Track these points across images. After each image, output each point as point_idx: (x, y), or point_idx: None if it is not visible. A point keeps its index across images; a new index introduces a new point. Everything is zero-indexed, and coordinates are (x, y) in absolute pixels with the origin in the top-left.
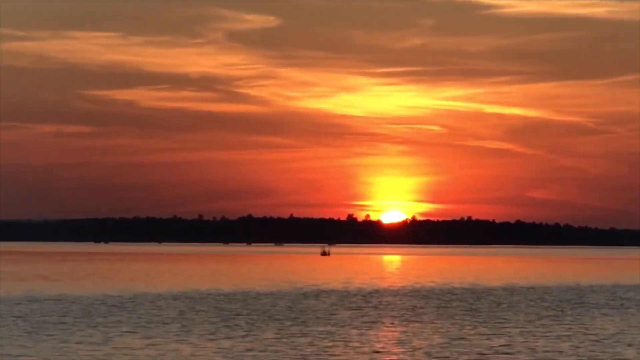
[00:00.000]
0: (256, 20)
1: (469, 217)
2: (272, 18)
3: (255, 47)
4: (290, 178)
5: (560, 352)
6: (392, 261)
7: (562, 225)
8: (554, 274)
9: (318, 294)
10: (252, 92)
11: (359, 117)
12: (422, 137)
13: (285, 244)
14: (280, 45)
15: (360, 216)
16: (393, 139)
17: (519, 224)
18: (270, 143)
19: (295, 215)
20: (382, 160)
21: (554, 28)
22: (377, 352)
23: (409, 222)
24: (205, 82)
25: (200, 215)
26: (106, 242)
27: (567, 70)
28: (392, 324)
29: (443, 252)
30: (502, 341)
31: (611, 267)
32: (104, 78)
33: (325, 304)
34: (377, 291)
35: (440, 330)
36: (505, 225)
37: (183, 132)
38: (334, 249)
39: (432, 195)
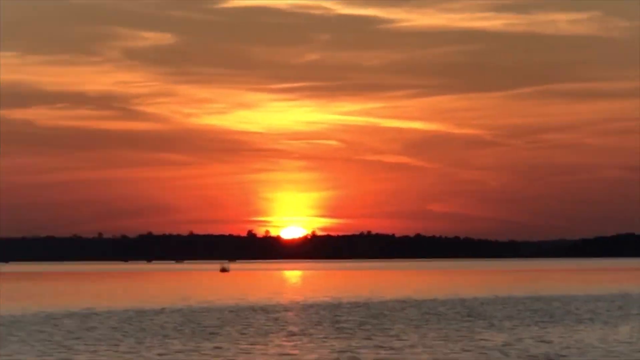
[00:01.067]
0: (153, 38)
1: (369, 232)
2: (169, 35)
3: (152, 65)
4: (189, 195)
5: None
6: (291, 276)
7: (461, 238)
8: (448, 287)
9: (210, 310)
10: (150, 109)
11: (257, 133)
12: (321, 152)
13: (186, 261)
14: (177, 62)
15: (260, 232)
16: (291, 154)
17: (419, 238)
18: (169, 160)
19: (195, 232)
20: (281, 176)
21: (450, 41)
22: None
23: (309, 237)
24: (103, 100)
25: (100, 234)
26: (6, 261)
27: (464, 83)
28: (279, 338)
29: (343, 266)
30: (385, 354)
31: (507, 279)
32: (1, 97)
33: (215, 319)
34: (269, 306)
35: (325, 344)
36: (405, 239)
37: (82, 151)
38: (234, 266)
39: (331, 210)
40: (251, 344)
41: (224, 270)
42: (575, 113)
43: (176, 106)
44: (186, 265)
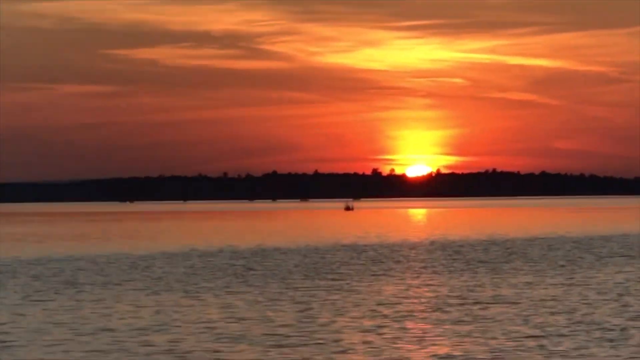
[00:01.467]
0: None
1: (494, 169)
2: None
3: (276, 3)
4: (314, 133)
5: (557, 300)
6: (415, 214)
7: (587, 175)
8: (576, 224)
9: (331, 249)
10: (275, 48)
11: (382, 71)
12: (446, 90)
13: (311, 200)
14: (301, 0)
15: (385, 170)
16: (416, 92)
17: (544, 175)
18: (293, 99)
19: (319, 170)
20: (406, 114)
21: None
22: (381, 303)
23: (433, 175)
24: (227, 39)
25: (225, 173)
26: (131, 201)
27: (589, 20)
28: (401, 275)
29: (468, 204)
30: (508, 291)
31: (633, 216)
32: (126, 37)
33: (336, 257)
34: (390, 244)
35: (449, 280)
36: (530, 177)
37: (206, 90)
38: (358, 204)
39: (456, 148)
40: (371, 282)
41: (348, 208)
42: None
43: (301, 44)
44: (311, 204)
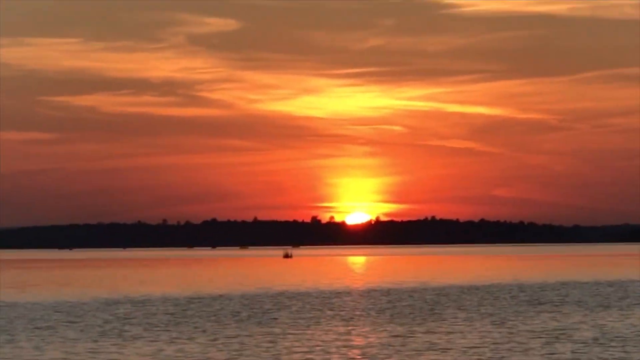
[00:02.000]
0: (217, 24)
1: (433, 217)
2: (232, 21)
3: (216, 51)
4: (254, 181)
5: (484, 348)
6: (354, 262)
7: (526, 223)
8: (508, 273)
9: (268, 295)
10: (214, 95)
11: (322, 118)
12: (385, 137)
13: (251, 247)
14: (241, 48)
15: (325, 218)
16: (356, 139)
17: (483, 223)
18: (233, 146)
19: (259, 218)
20: (346, 162)
21: (515, 26)
22: (312, 350)
23: (373, 222)
24: (167, 87)
25: (164, 220)
26: (70, 248)
27: (529, 68)
28: (333, 323)
29: (407, 252)
30: (439, 339)
31: (572, 264)
32: (65, 84)
33: (272, 304)
34: (328, 291)
35: (381, 329)
36: (470, 224)
37: (146, 137)
38: (297, 252)
39: (396, 195)
40: (305, 329)
41: (287, 256)
42: None
43: (240, 92)
44: (250, 252)
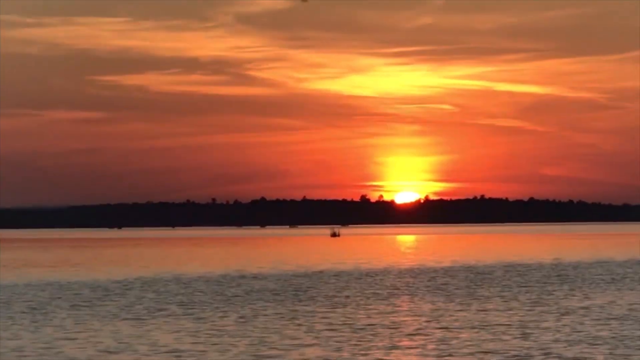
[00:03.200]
0: (266, 3)
1: (482, 196)
2: (281, 0)
3: (265, 30)
4: (302, 160)
5: (545, 328)
6: (400, 241)
7: (575, 201)
8: (564, 251)
9: (308, 274)
10: (263, 74)
11: (370, 97)
12: (434, 116)
13: (300, 226)
14: (290, 27)
15: (374, 197)
16: (404, 118)
17: (532, 202)
18: (281, 125)
19: (308, 197)
20: (394, 140)
21: (565, 5)
22: (361, 328)
23: (422, 201)
24: (215, 66)
25: (213, 199)
26: (119, 227)
27: (578, 47)
28: (370, 301)
29: (456, 231)
30: (488, 317)
31: (622, 243)
32: (114, 63)
33: (312, 284)
34: (368, 270)
35: (417, 307)
36: (519, 203)
37: (194, 116)
38: (345, 230)
39: (445, 174)
40: (344, 308)
41: (334, 235)
42: None
43: (289, 71)
44: (299, 230)
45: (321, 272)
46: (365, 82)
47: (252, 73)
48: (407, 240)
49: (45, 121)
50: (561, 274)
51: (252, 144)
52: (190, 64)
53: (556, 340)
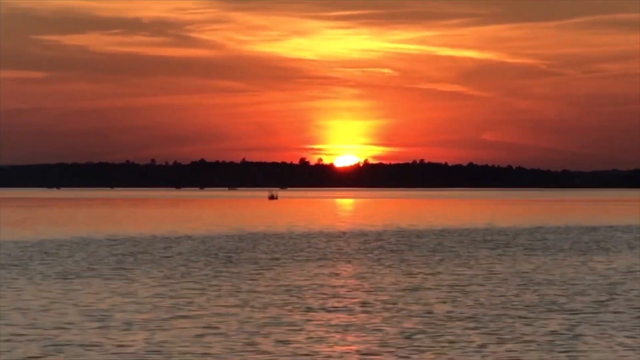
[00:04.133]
0: None
1: (422, 160)
2: None
3: None
4: (243, 122)
5: (466, 292)
6: (340, 204)
7: (514, 167)
8: (499, 217)
9: (236, 236)
10: (205, 36)
11: (311, 60)
12: (375, 80)
13: (239, 189)
14: None
15: (313, 160)
16: (346, 82)
17: (471, 167)
18: (222, 87)
19: (247, 159)
20: (335, 104)
21: None
22: (286, 290)
23: (361, 165)
24: (157, 27)
25: (152, 160)
26: (58, 187)
27: (520, 12)
28: (300, 264)
29: (394, 195)
30: (413, 280)
31: (559, 210)
32: (56, 23)
33: (234, 245)
34: (304, 233)
35: (348, 269)
36: (458, 168)
37: (136, 77)
38: (283, 193)
39: (384, 138)
40: (271, 270)
41: (272, 197)
42: (629, 43)
43: (231, 33)
44: (237, 193)
45: (254, 234)
46: (306, 45)
47: (194, 35)
48: (344, 204)
49: None
50: (492, 239)
51: (193, 105)
52: (133, 25)
53: (475, 305)
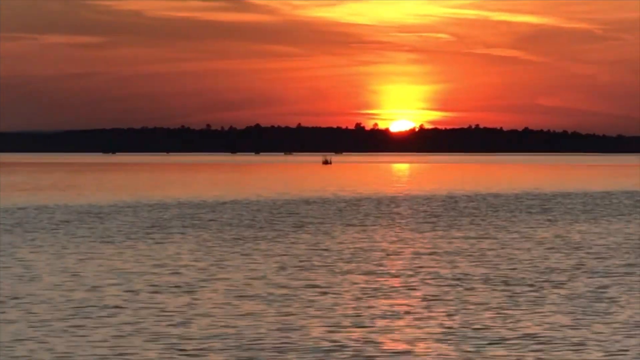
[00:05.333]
0: None
1: (477, 125)
2: None
3: None
4: (297, 87)
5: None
6: (395, 169)
7: (570, 132)
8: (553, 182)
9: (292, 201)
10: (259, 1)
11: (366, 25)
12: (430, 45)
13: (294, 153)
14: None
15: (368, 125)
16: (401, 47)
17: (526, 132)
18: (277, 52)
19: (303, 124)
20: (390, 69)
21: None
22: (327, 255)
23: (416, 130)
24: None
25: (208, 125)
26: (114, 152)
27: None
28: (350, 229)
29: (449, 160)
30: (484, 244)
31: (613, 175)
32: None
33: (286, 210)
34: (359, 198)
35: (394, 235)
36: (513, 133)
37: (190, 42)
38: (338, 158)
39: (440, 103)
40: (314, 235)
41: (326, 162)
42: None
43: None
44: (292, 158)
45: (304, 199)
46: (362, 9)
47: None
48: (399, 169)
49: (41, 45)
50: (543, 204)
51: (248, 70)
52: None
53: (514, 268)
